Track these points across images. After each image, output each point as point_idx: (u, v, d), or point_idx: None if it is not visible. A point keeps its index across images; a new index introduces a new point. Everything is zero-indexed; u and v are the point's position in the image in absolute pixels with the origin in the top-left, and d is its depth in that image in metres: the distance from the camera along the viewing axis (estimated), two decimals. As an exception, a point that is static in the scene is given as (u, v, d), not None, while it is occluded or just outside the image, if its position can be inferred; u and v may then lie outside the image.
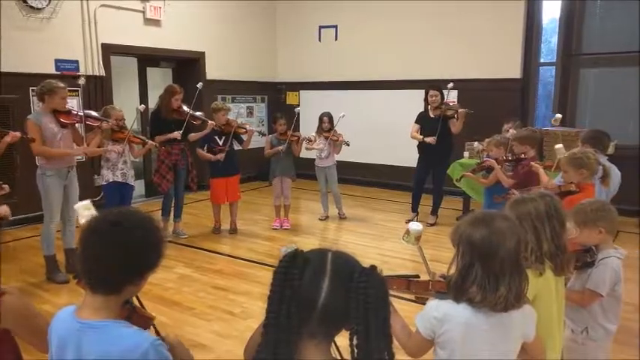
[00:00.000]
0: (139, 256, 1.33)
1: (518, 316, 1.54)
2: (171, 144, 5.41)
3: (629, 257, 4.66)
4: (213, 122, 5.56)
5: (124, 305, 1.41)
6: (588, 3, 6.86)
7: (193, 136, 5.61)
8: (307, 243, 5.40)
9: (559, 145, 3.47)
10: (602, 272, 2.21)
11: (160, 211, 5.67)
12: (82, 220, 1.82)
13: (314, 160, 6.49)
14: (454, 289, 1.54)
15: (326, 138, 6.22)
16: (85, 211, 1.87)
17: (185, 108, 5.48)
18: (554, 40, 7.22)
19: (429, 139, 5.92)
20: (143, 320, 1.44)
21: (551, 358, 1.89)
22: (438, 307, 1.57)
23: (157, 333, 1.51)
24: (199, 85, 5.70)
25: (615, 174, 3.71)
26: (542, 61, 7.32)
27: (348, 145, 6.20)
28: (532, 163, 3.88)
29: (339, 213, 6.56)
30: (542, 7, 7.14)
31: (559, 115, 4.62)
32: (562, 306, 1.97)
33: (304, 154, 6.30)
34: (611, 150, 4.28)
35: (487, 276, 1.49)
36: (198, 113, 5.58)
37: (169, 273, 4.63)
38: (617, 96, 6.82)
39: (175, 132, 5.34)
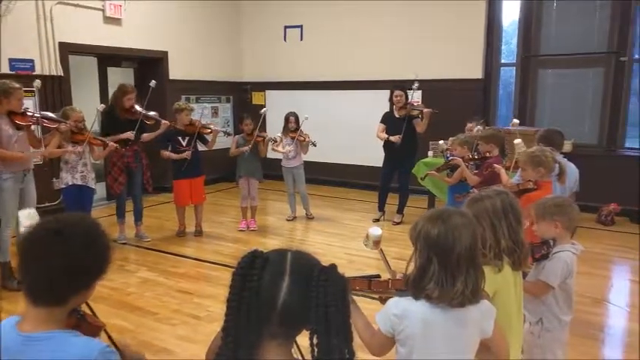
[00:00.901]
0: (83, 265, 1.25)
1: (475, 312, 1.56)
2: (123, 146, 5.23)
3: (588, 252, 4.82)
4: (167, 122, 5.45)
5: (72, 314, 1.33)
6: (545, 5, 7.04)
7: (146, 136, 5.47)
8: (274, 244, 5.33)
9: (518, 140, 3.55)
10: (554, 265, 2.28)
11: (116, 215, 5.54)
12: (22, 229, 1.69)
13: (281, 160, 6.45)
14: (412, 285, 1.56)
15: (292, 138, 6.20)
16: (26, 220, 1.72)
17: (138, 108, 5.35)
18: (514, 41, 7.39)
19: (394, 138, 5.99)
20: (92, 328, 1.39)
21: (512, 352, 1.92)
22: (397, 305, 1.58)
23: (111, 340, 1.46)
24: (152, 83, 5.53)
25: (572, 171, 3.81)
26: (502, 61, 7.48)
27: (315, 145, 6.19)
28: (494, 165, 3.95)
29: (306, 213, 6.55)
30: (503, 9, 7.30)
31: (516, 120, 4.75)
32: (521, 301, 2.00)
33: (271, 154, 6.26)
34: (567, 148, 4.41)
35: (444, 272, 1.50)
36: (151, 113, 5.46)
37: (131, 277, 4.53)
38: (574, 96, 7.04)
39: (128, 132, 5.19)
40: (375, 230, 1.86)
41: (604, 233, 5.89)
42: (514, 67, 7.36)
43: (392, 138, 6.01)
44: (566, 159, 3.82)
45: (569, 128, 5.81)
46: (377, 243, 1.85)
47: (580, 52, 6.86)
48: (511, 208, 1.91)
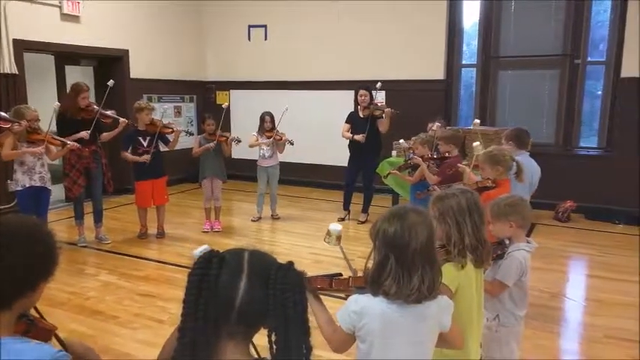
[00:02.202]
0: (24, 267, 1.22)
1: (433, 307, 1.60)
2: (84, 145, 5.07)
3: (546, 248, 4.96)
4: (125, 120, 5.32)
5: (20, 319, 1.29)
6: (504, 7, 7.20)
7: (106, 135, 5.35)
8: (240, 245, 5.30)
9: (477, 143, 3.64)
10: (509, 264, 2.34)
11: (74, 217, 5.39)
12: None
13: (245, 160, 6.41)
14: (370, 282, 1.59)
15: (269, 138, 6.18)
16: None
17: (95, 106, 5.20)
18: (475, 42, 7.54)
19: (358, 137, 6.06)
20: (44, 332, 1.34)
21: (473, 347, 1.97)
22: (357, 302, 1.61)
23: (62, 344, 1.41)
24: (110, 82, 5.37)
25: (536, 170, 3.93)
26: (464, 63, 7.62)
27: (292, 144, 6.19)
28: (459, 165, 4.03)
29: (272, 214, 6.52)
30: (463, 11, 7.43)
31: (477, 120, 4.89)
32: (482, 297, 2.05)
33: (235, 154, 6.20)
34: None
35: (401, 268, 1.53)
36: (109, 112, 5.32)
37: (91, 281, 4.41)
38: (532, 97, 7.25)
39: (83, 132, 5.02)
40: (336, 226, 1.88)
41: (561, 230, 6.08)
42: (475, 68, 7.52)
43: (356, 137, 6.09)
44: (531, 158, 3.94)
45: (528, 127, 5.97)
46: (339, 238, 1.87)
47: (537, 55, 7.06)
48: (475, 206, 1.94)
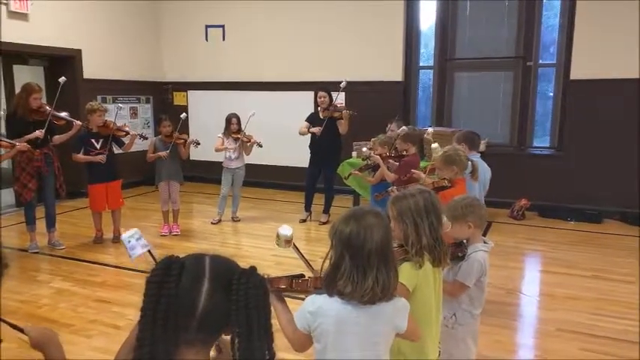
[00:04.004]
0: None
1: (388, 309, 1.61)
2: (35, 148, 4.87)
3: (502, 245, 5.08)
4: (79, 122, 5.16)
5: None
6: (460, 8, 7.35)
7: (58, 138, 5.15)
8: (200, 249, 5.21)
9: (435, 145, 3.70)
10: (469, 265, 2.38)
11: (25, 222, 5.19)
12: None
13: (204, 162, 6.32)
14: (327, 282, 1.60)
15: (235, 140, 6.10)
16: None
17: (47, 107, 5.02)
18: (433, 44, 7.68)
19: (314, 130, 6.12)
20: None
21: (431, 346, 1.99)
22: (313, 302, 1.62)
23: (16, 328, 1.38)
24: (62, 79, 5.15)
25: (486, 170, 4.03)
26: (421, 65, 7.75)
27: (261, 146, 6.15)
28: (413, 171, 4.07)
29: (232, 216, 6.45)
30: (420, 13, 7.53)
31: (430, 130, 4.93)
32: (440, 296, 2.08)
33: (194, 155, 6.10)
34: (481, 147, 4.66)
35: (355, 268, 1.55)
36: (62, 114, 5.14)
37: (44, 288, 4.25)
38: (487, 98, 7.44)
39: (37, 131, 4.82)
40: (285, 230, 1.88)
41: (516, 227, 6.26)
42: (432, 70, 7.65)
43: (312, 130, 6.15)
44: (481, 159, 4.03)
45: (483, 128, 6.13)
46: (288, 242, 1.87)
47: (492, 57, 7.25)
48: (432, 206, 1.97)
